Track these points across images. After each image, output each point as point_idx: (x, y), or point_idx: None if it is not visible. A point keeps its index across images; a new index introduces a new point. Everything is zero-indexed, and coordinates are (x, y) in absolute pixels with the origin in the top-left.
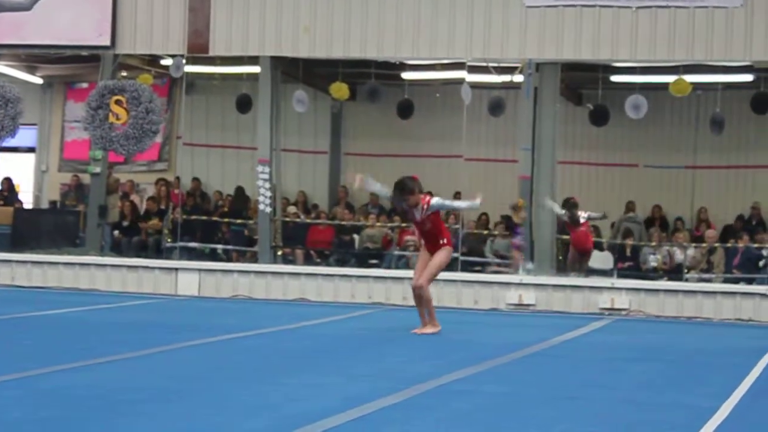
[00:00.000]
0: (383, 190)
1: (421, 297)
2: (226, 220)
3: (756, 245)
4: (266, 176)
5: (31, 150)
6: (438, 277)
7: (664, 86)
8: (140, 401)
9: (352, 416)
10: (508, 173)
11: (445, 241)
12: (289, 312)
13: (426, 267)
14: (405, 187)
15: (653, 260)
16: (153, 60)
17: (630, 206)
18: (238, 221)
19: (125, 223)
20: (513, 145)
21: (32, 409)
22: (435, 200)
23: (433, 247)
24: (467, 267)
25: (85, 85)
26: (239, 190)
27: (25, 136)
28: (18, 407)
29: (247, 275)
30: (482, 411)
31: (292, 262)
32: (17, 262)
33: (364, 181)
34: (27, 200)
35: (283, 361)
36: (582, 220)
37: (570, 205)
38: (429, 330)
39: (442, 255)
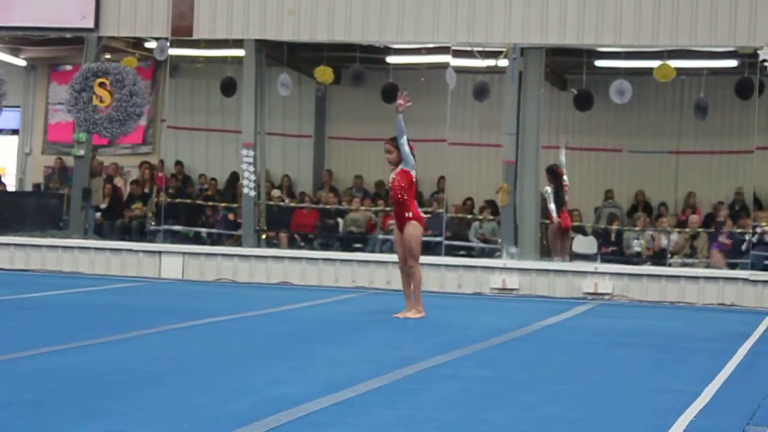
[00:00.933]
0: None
1: (410, 276)
2: (210, 203)
3: (739, 230)
4: (250, 160)
5: (14, 132)
6: (422, 261)
7: (649, 71)
8: (123, 383)
9: (336, 400)
10: (493, 158)
11: (412, 215)
12: (273, 296)
13: (402, 245)
14: (394, 141)
15: (637, 245)
16: (137, 42)
17: (608, 194)
18: (222, 205)
19: (103, 206)
20: (497, 130)
21: (15, 391)
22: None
23: (401, 223)
24: (451, 251)
25: (69, 67)
26: (233, 176)
27: (8, 118)
28: (1, 389)
29: (231, 259)
30: (466, 395)
31: (276, 245)
32: (0, 244)
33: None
34: (10, 183)
35: (267, 345)
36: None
37: (556, 174)
38: (411, 315)
39: (411, 230)
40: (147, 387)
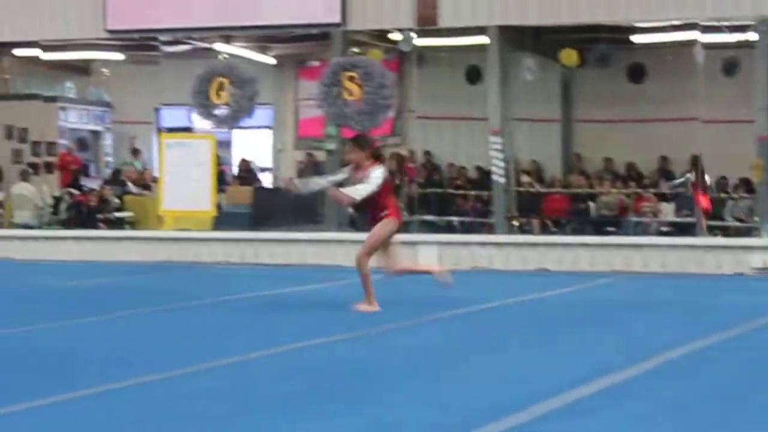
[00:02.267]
0: (327, 181)
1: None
2: (460, 192)
3: None
4: (499, 147)
5: (267, 129)
6: (678, 242)
7: None
8: (386, 374)
9: (600, 386)
10: (747, 134)
11: (388, 213)
12: (530, 282)
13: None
14: (355, 140)
15: None
16: (381, 34)
17: None
18: (473, 193)
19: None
20: (750, 105)
21: (284, 382)
22: (375, 173)
23: (375, 220)
24: (708, 231)
25: (316, 63)
26: (482, 163)
27: (261, 115)
28: (271, 379)
29: (486, 247)
30: (736, 378)
31: (529, 231)
32: (260, 240)
33: (295, 184)
34: (266, 179)
35: (527, 332)
36: None
37: None
38: (363, 307)
39: (381, 227)
40: (409, 377)
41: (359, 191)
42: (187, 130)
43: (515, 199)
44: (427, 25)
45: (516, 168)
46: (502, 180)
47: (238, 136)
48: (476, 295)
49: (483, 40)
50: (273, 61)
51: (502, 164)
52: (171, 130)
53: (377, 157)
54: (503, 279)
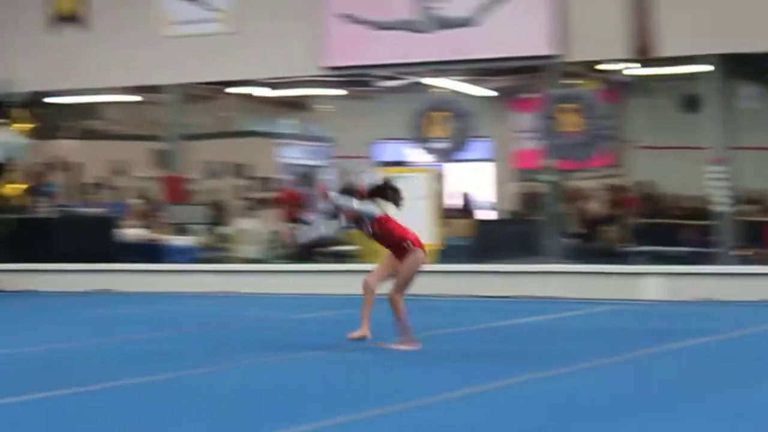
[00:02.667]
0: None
1: (371, 297)
2: (682, 222)
3: None
4: (720, 176)
5: (486, 162)
6: None
7: None
8: (611, 409)
9: None
10: None
11: (410, 243)
12: (759, 313)
13: (384, 268)
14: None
15: None
16: (597, 64)
17: None
18: (694, 223)
19: (581, 230)
20: None
21: (511, 418)
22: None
23: (399, 253)
24: None
25: (532, 94)
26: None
27: (481, 148)
28: (497, 416)
29: (710, 277)
30: None
31: (755, 262)
32: (480, 273)
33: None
34: (488, 212)
35: (760, 364)
36: None
37: None
38: (403, 346)
39: (408, 263)
40: (641, 411)
41: (344, 200)
42: (401, 164)
43: (739, 229)
44: (644, 55)
45: (739, 197)
46: (726, 209)
47: (450, 170)
48: (703, 326)
49: (699, 68)
50: (489, 94)
51: (724, 193)
52: (386, 164)
53: (371, 195)
54: (729, 310)
